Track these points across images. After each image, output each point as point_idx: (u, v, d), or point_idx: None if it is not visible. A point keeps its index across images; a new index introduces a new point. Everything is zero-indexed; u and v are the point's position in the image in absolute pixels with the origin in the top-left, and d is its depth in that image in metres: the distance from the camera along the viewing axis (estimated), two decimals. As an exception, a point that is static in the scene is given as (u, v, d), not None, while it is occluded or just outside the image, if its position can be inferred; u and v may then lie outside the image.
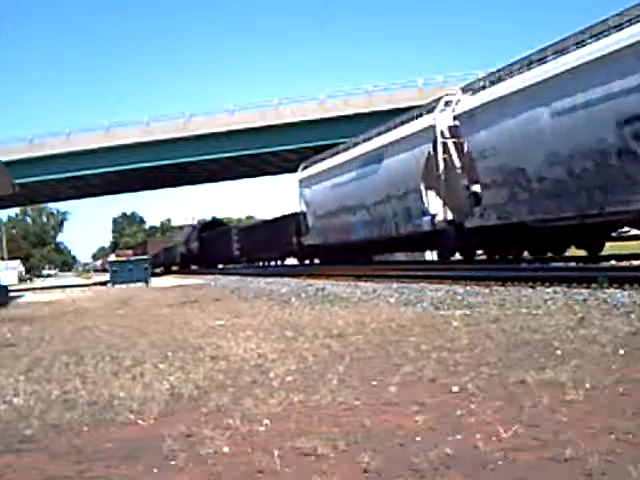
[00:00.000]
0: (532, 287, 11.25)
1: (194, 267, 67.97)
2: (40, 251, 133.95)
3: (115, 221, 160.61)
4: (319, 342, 6.53)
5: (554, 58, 17.02)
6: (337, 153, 32.14)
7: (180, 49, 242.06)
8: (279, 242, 42.33)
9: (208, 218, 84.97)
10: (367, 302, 11.12)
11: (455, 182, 21.79)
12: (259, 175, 61.32)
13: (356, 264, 28.77)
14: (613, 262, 17.09)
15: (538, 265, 17.65)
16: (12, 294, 26.23)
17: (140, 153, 44.09)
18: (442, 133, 21.91)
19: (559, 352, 5.09)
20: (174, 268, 75.74)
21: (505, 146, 18.50)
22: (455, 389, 4.19)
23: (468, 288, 12.08)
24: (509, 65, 19.33)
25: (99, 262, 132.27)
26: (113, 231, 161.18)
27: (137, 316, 11.59)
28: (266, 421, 3.74)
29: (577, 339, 5.61)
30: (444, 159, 21.89)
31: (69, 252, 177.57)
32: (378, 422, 3.59)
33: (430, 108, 23.43)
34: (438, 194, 22.47)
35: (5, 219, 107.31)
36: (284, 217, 43.10)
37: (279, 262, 48.49)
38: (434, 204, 22.73)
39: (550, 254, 20.41)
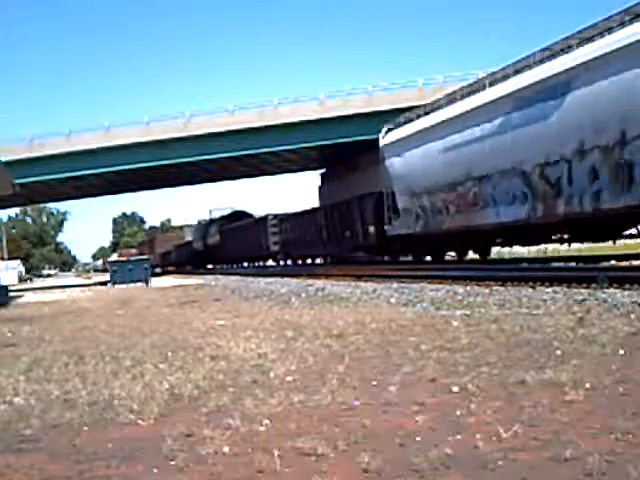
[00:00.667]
0: (532, 287, 11.26)
1: (213, 266, 60.17)
2: (40, 251, 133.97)
3: (115, 221, 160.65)
4: (319, 342, 6.53)
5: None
6: (451, 102, 22.17)
7: (180, 49, 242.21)
8: (343, 233, 31.88)
9: (225, 208, 70.82)
10: (367, 302, 11.12)
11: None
12: (259, 175, 61.26)
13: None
14: (613, 262, 17.09)
15: (538, 265, 17.63)
16: (12, 294, 26.24)
17: (140, 153, 44.03)
18: None
19: (559, 352, 5.09)
20: (188, 267, 68.55)
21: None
22: (455, 389, 4.19)
23: (468, 288, 12.09)
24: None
25: (99, 262, 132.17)
26: (113, 231, 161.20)
27: (137, 316, 11.59)
28: (266, 421, 3.74)
29: (577, 339, 5.61)
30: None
31: (69, 252, 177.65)
32: (378, 422, 3.59)
33: None
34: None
35: (5, 219, 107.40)
36: (355, 199, 31.03)
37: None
38: None
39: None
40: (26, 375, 5.72)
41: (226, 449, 3.27)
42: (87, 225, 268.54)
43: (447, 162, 21.21)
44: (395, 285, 14.51)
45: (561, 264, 18.18)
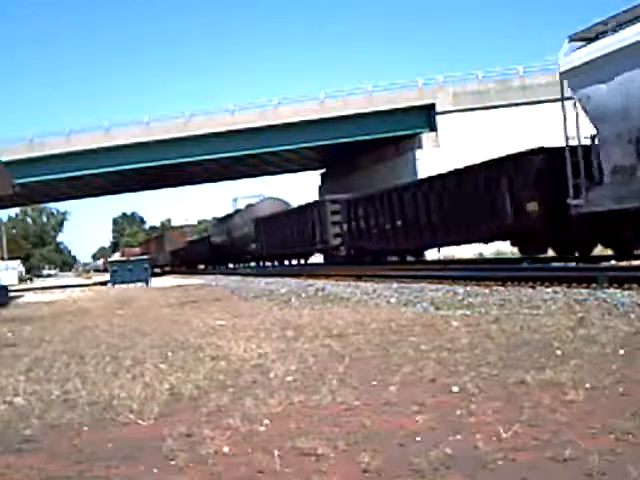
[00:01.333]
0: (532, 287, 11.25)
1: (234, 265, 52.26)
2: (40, 251, 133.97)
3: (115, 221, 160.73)
4: (319, 342, 6.53)
5: None
6: None
7: (180, 49, 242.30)
8: (474, 212, 20.94)
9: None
10: (367, 302, 11.12)
11: None
12: (259, 175, 61.30)
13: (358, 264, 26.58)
14: (613, 262, 17.08)
15: (538, 265, 17.64)
16: (12, 294, 26.24)
17: (140, 153, 44.07)
18: None
19: (559, 352, 5.09)
20: (201, 266, 61.51)
21: None
22: (455, 389, 4.19)
23: (468, 288, 12.08)
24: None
25: (100, 261, 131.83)
26: (113, 231, 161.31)
27: (137, 316, 11.59)
28: (266, 421, 3.74)
29: (577, 339, 5.61)
30: None
31: (69, 252, 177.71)
32: (378, 422, 3.59)
33: None
34: None
35: (5, 219, 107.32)
36: (501, 163, 20.40)
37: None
38: None
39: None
40: (26, 375, 5.72)
41: (226, 449, 3.27)
42: (87, 225, 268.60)
43: None
44: (395, 285, 14.50)
45: (561, 264, 18.15)
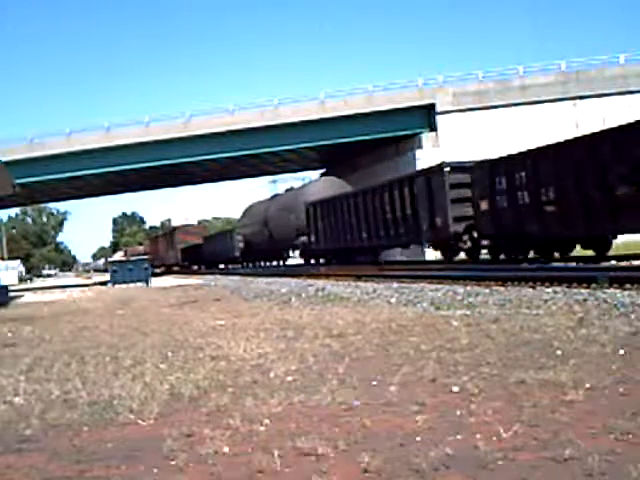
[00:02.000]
0: (532, 287, 11.25)
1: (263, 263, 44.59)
2: (40, 251, 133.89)
3: (115, 221, 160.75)
4: (319, 342, 6.53)
5: None
6: None
7: (180, 49, 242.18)
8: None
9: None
10: (367, 302, 11.12)
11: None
12: (259, 175, 61.28)
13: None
14: (613, 262, 17.08)
15: (538, 265, 17.63)
16: (12, 294, 26.24)
17: (140, 153, 44.05)
18: None
19: (559, 352, 5.09)
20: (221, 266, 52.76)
21: None
22: (455, 389, 4.19)
23: (468, 288, 12.08)
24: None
25: (101, 261, 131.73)
26: (113, 231, 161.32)
27: (137, 316, 11.59)
28: (266, 421, 3.74)
29: (577, 339, 5.61)
30: None
31: (69, 252, 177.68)
32: (378, 422, 3.59)
33: None
34: None
35: (5, 219, 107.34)
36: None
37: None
38: None
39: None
40: (26, 375, 5.72)
41: (226, 449, 3.27)
42: (87, 225, 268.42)
43: None
44: (395, 285, 14.50)
45: (561, 264, 18.15)
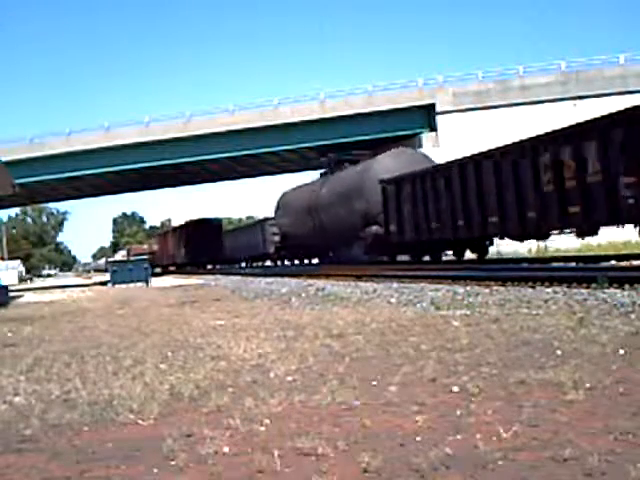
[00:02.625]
0: (532, 287, 11.25)
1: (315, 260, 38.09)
2: (40, 251, 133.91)
3: (115, 221, 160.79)
4: (319, 342, 6.53)
5: None
6: None
7: (180, 49, 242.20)
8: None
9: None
10: (367, 302, 11.12)
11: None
12: (259, 175, 61.24)
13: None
14: (613, 262, 17.08)
15: (538, 265, 17.62)
16: (12, 294, 26.23)
17: (140, 153, 44.06)
18: None
19: (559, 352, 5.09)
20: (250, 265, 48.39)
21: None
22: (455, 389, 4.19)
23: (468, 288, 12.08)
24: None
25: (101, 261, 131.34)
26: (113, 231, 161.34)
27: (137, 316, 11.59)
28: (266, 421, 3.74)
29: (577, 339, 5.61)
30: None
31: (69, 252, 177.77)
32: (378, 422, 3.59)
33: None
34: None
35: (5, 219, 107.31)
36: None
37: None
38: None
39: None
40: (26, 375, 5.72)
41: (226, 449, 3.27)
42: (87, 225, 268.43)
43: None
44: (395, 285, 14.50)
45: (561, 264, 18.15)
